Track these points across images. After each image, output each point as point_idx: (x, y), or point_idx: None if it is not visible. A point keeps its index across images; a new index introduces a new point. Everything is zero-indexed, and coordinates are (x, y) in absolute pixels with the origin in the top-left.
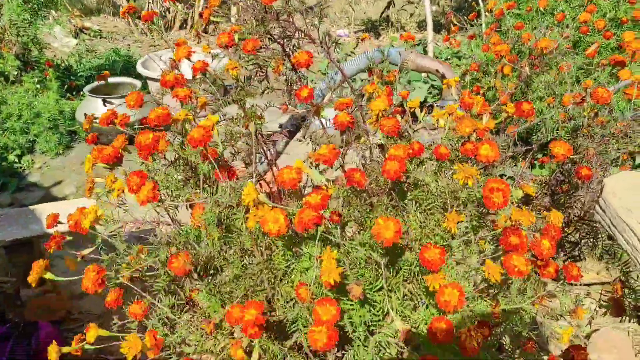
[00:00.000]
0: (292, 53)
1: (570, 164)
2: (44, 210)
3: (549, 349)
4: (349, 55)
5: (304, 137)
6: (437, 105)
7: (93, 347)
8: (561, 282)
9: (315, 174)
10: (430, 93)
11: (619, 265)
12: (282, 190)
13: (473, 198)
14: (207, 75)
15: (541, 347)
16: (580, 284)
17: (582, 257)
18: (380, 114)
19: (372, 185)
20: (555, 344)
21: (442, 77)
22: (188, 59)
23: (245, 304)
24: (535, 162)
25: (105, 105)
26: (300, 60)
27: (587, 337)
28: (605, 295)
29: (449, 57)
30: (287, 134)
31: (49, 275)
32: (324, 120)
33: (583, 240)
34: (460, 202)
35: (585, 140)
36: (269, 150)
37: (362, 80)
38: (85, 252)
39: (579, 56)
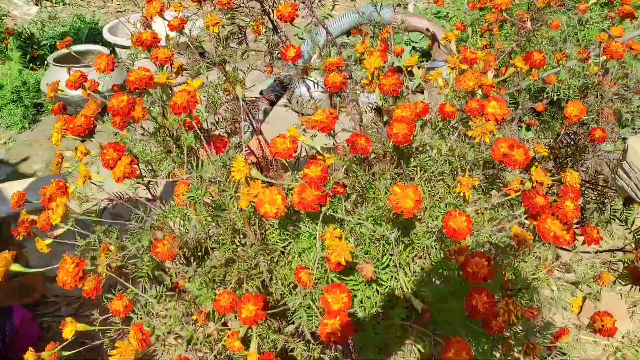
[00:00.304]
0: (272, 11)
1: (577, 126)
2: (11, 188)
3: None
4: (326, 17)
5: (289, 102)
6: (426, 67)
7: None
8: (575, 249)
9: (312, 143)
10: (412, 56)
11: (631, 231)
12: (270, 160)
13: (486, 160)
14: (182, 37)
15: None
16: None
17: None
18: (376, 73)
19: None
20: (554, 314)
21: (433, 36)
22: (161, 15)
23: (243, 297)
24: (522, 124)
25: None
26: (284, 14)
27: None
28: (614, 264)
29: (430, 17)
30: (270, 101)
31: (16, 267)
32: (310, 84)
33: (587, 206)
34: (472, 166)
35: (596, 100)
36: (254, 118)
37: (342, 45)
38: (58, 232)
39: (571, 12)
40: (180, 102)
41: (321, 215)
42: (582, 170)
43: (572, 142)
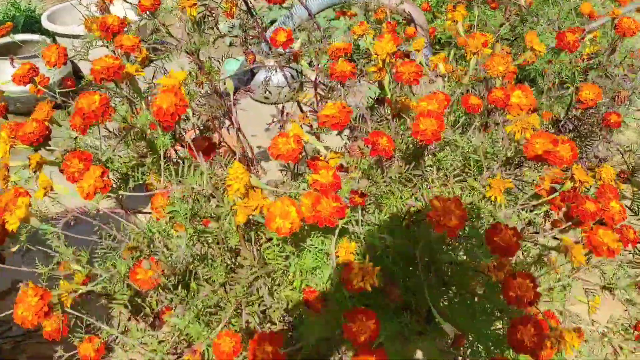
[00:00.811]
0: None
1: (582, 110)
2: None
3: None
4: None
5: (270, 92)
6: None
7: None
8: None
9: (317, 143)
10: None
11: None
12: (250, 156)
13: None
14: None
15: None
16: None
17: None
18: (388, 59)
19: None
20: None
21: (409, 18)
22: None
23: (256, 336)
24: None
25: (14, 67)
26: None
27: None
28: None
29: None
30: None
31: None
32: (289, 73)
33: None
34: (500, 164)
35: (608, 82)
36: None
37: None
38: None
39: None
40: (167, 107)
41: (337, 229)
42: (587, 158)
43: (575, 128)
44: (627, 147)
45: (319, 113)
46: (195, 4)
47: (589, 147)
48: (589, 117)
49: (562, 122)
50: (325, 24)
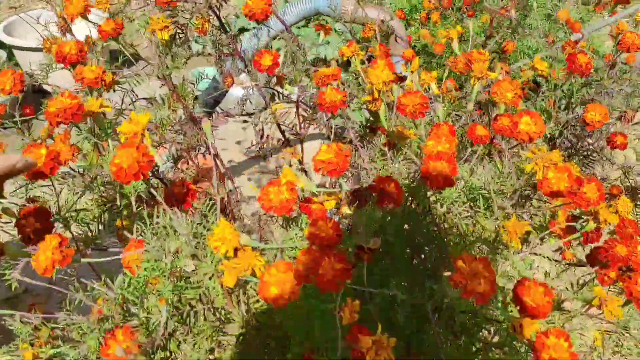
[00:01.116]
0: (220, 6)
1: (580, 128)
2: None
3: None
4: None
5: (250, 116)
6: None
7: None
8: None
9: (313, 189)
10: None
11: None
12: (231, 191)
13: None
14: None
15: None
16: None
17: None
18: (384, 88)
19: None
20: None
21: (391, 31)
22: (84, 17)
23: None
24: None
25: None
26: (255, 10)
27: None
28: None
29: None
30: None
31: None
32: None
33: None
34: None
35: (607, 99)
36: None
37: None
38: None
39: None
40: (128, 166)
41: (340, 294)
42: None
43: (572, 146)
44: (629, 166)
45: (313, 158)
46: (166, 27)
47: (589, 167)
48: (590, 137)
49: (559, 141)
50: (295, 31)
